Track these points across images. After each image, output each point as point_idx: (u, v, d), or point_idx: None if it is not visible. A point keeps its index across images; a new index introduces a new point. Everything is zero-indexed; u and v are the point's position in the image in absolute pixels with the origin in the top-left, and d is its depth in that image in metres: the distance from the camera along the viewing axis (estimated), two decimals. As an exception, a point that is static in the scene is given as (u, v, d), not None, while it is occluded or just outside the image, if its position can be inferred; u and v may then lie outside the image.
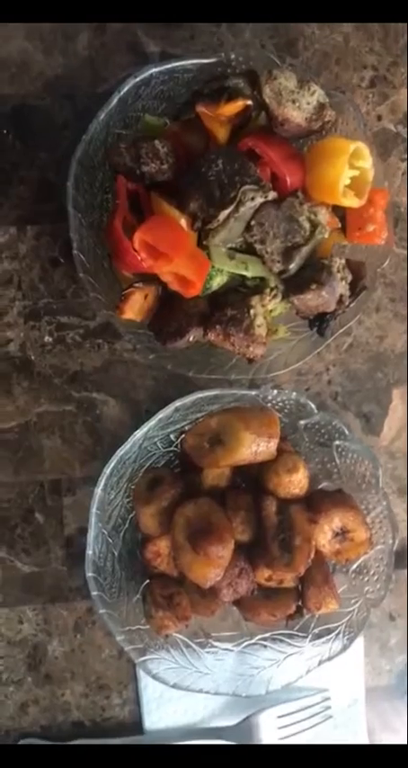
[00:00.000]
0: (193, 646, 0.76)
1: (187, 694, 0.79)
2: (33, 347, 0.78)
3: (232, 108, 0.68)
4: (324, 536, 0.73)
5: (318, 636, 0.76)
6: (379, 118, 0.81)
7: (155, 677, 0.74)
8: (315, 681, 0.80)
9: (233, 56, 0.71)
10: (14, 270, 0.78)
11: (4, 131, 0.77)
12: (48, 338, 0.78)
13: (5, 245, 0.77)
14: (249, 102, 0.68)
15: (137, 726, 0.80)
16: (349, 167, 0.68)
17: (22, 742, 0.79)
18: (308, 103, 0.68)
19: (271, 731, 0.78)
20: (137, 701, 0.80)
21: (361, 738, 0.82)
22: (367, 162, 0.69)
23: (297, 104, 0.67)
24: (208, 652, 0.76)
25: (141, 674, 0.80)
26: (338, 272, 0.69)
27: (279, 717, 0.79)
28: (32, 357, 0.78)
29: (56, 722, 0.80)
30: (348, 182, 0.69)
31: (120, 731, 0.80)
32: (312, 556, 0.71)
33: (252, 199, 0.66)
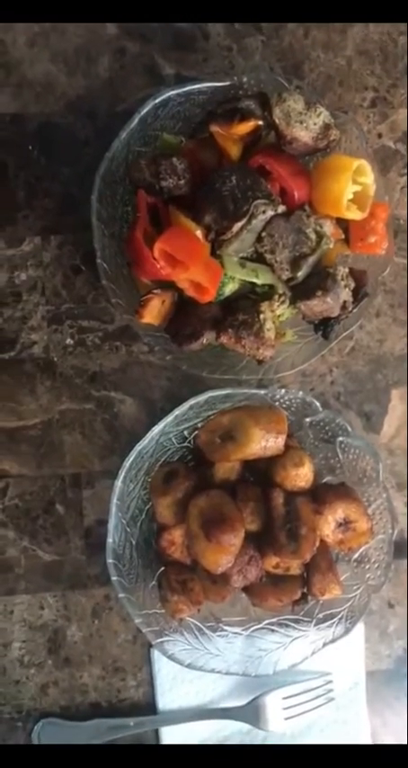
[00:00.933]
0: (205, 629, 0.80)
1: (198, 677, 0.83)
2: (56, 349, 0.83)
3: (244, 128, 0.73)
4: (328, 526, 0.77)
5: (322, 620, 0.80)
6: (380, 136, 0.86)
7: (170, 657, 0.78)
8: (319, 665, 0.84)
9: (245, 79, 0.76)
10: (39, 277, 0.83)
11: (30, 147, 0.82)
12: (69, 341, 0.83)
13: (30, 253, 0.82)
14: (260, 123, 0.73)
15: (150, 706, 0.84)
16: (352, 183, 0.73)
17: (42, 721, 0.83)
18: (315, 124, 0.73)
19: (277, 711, 0.83)
20: (150, 683, 0.84)
21: (362, 719, 0.86)
22: (368, 178, 0.74)
23: (305, 125, 0.72)
24: (218, 635, 0.80)
25: (155, 657, 0.84)
26: (342, 279, 0.74)
27: (284, 698, 0.83)
28: (55, 358, 0.83)
29: (74, 703, 0.84)
30: (351, 196, 0.74)
31: (135, 711, 0.84)
32: (317, 544, 0.75)
33: (264, 212, 0.71)
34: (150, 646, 0.84)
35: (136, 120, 0.75)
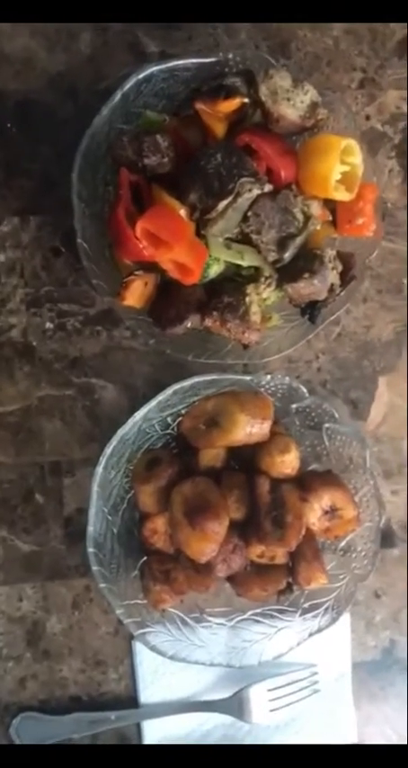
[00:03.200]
0: (188, 620, 0.79)
1: (180, 670, 0.82)
2: (35, 333, 0.81)
3: (229, 105, 0.71)
4: (314, 514, 0.76)
5: (308, 610, 0.79)
6: (368, 118, 0.84)
7: (152, 649, 0.76)
8: (304, 656, 0.83)
9: (230, 56, 0.74)
10: (17, 258, 0.80)
11: (8, 125, 0.79)
12: (49, 325, 0.81)
13: (9, 234, 0.80)
14: (246, 100, 0.71)
15: (132, 700, 0.83)
16: (340, 163, 0.72)
17: (21, 716, 0.81)
18: (302, 102, 0.71)
19: (262, 704, 0.81)
20: (132, 677, 0.83)
21: (348, 711, 0.85)
22: (357, 158, 0.73)
23: (292, 102, 0.71)
24: (202, 626, 0.79)
25: (137, 650, 0.82)
26: (329, 261, 0.72)
27: (269, 690, 0.82)
28: (34, 343, 0.81)
29: (54, 696, 0.82)
30: (339, 177, 0.72)
31: (116, 705, 0.82)
32: (303, 532, 0.74)
33: (250, 191, 0.69)
34: (132, 638, 0.82)
35: (118, 97, 0.73)
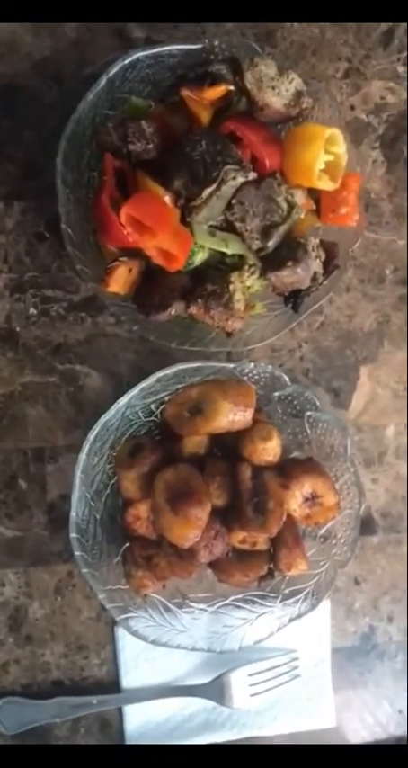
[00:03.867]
0: (170, 605, 0.79)
1: (163, 655, 0.82)
2: (18, 319, 0.81)
3: (215, 92, 0.71)
4: (296, 501, 0.77)
5: (288, 596, 0.80)
6: (352, 108, 0.85)
7: (134, 634, 0.77)
8: (285, 642, 0.83)
9: (216, 43, 0.74)
10: (1, 244, 0.80)
11: (-7, 109, 0.79)
12: (32, 310, 0.81)
13: (-7, 219, 0.80)
14: (231, 88, 0.72)
15: (114, 685, 0.83)
16: (324, 152, 0.72)
17: (3, 700, 0.82)
18: (287, 90, 0.71)
19: (242, 688, 0.82)
20: (114, 662, 0.83)
21: (327, 696, 0.86)
22: (341, 147, 0.73)
23: (277, 91, 0.71)
24: (184, 611, 0.79)
25: (119, 635, 0.83)
26: (313, 250, 0.73)
27: (250, 675, 0.82)
28: (17, 329, 0.81)
29: (36, 681, 0.82)
30: (323, 166, 0.73)
31: (98, 690, 0.83)
32: (284, 518, 0.75)
33: (234, 178, 0.69)
34: (114, 623, 0.83)
35: (103, 82, 0.73)
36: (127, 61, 0.73)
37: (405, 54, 0.85)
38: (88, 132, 0.74)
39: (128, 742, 0.83)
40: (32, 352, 0.81)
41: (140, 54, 0.73)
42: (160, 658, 0.83)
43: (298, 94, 0.72)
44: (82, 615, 0.83)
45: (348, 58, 0.84)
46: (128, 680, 0.83)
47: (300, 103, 0.72)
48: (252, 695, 0.82)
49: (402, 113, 0.85)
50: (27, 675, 0.82)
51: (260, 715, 0.84)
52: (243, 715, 0.84)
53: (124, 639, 0.83)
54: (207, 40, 0.75)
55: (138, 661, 0.83)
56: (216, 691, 0.82)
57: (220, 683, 0.82)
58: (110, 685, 0.83)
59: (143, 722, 0.83)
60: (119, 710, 0.83)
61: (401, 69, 0.85)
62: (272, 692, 0.83)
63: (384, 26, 0.85)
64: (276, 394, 0.79)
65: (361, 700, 0.88)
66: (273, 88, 0.71)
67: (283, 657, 0.84)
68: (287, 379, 0.78)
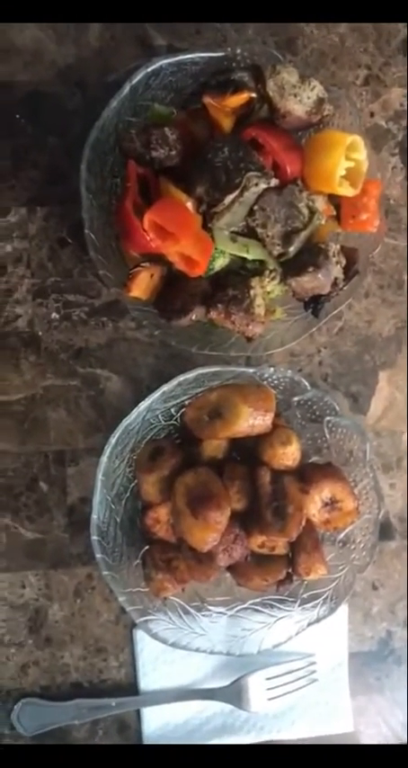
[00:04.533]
0: (189, 609, 0.80)
1: (181, 658, 0.83)
2: (41, 323, 0.82)
3: (237, 100, 0.72)
4: (315, 505, 0.77)
5: (307, 601, 0.80)
6: (372, 114, 0.85)
7: (154, 636, 0.77)
8: (302, 646, 0.84)
9: (238, 51, 0.75)
10: (24, 249, 0.81)
11: (17, 116, 0.80)
12: (54, 315, 0.82)
13: (16, 224, 0.81)
14: (253, 95, 0.72)
15: (132, 687, 0.84)
16: (345, 159, 0.73)
17: (22, 701, 0.82)
18: (309, 98, 0.72)
19: (260, 692, 0.82)
20: (132, 664, 0.84)
21: (344, 700, 0.86)
22: (361, 154, 0.73)
23: (299, 98, 0.72)
24: (203, 615, 0.80)
25: (137, 638, 0.83)
26: (333, 256, 0.73)
27: (268, 679, 0.83)
28: (40, 333, 0.82)
29: (55, 683, 0.83)
30: (343, 172, 0.73)
31: (117, 692, 0.83)
32: (303, 523, 0.75)
33: (256, 185, 0.70)
34: (133, 626, 0.83)
35: (127, 89, 0.74)
36: (150, 69, 0.74)
37: (425, 61, 0.85)
38: (111, 139, 0.75)
39: (145, 744, 0.83)
40: (54, 356, 0.82)
41: (163, 62, 0.74)
42: (178, 661, 0.83)
43: (320, 102, 0.73)
44: (101, 618, 0.84)
45: (368, 66, 0.85)
46: (147, 682, 0.84)
47: (322, 110, 0.73)
48: (269, 699, 0.83)
49: (421, 120, 0.86)
50: (46, 677, 0.83)
51: (277, 719, 0.85)
52: (261, 719, 0.84)
53: (142, 642, 0.83)
54: (229, 48, 0.76)
55: (157, 664, 0.84)
56: (234, 694, 0.82)
57: (238, 686, 0.82)
58: (129, 688, 0.84)
59: (161, 725, 0.84)
60: (138, 713, 0.83)
61: (421, 76, 0.86)
62: (290, 696, 0.83)
63: (403, 34, 0.85)
64: (295, 399, 0.80)
65: (378, 705, 0.88)
66: (295, 95, 0.71)
67: (301, 662, 0.84)
68: (306, 383, 0.78)
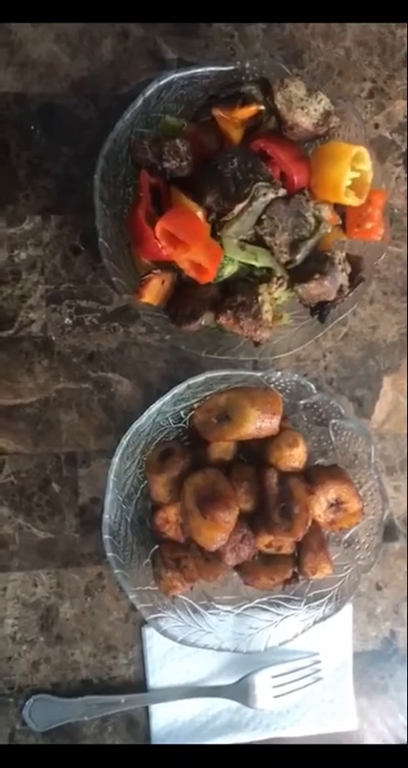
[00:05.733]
0: (198, 607, 0.81)
1: (188, 656, 0.84)
2: (54, 328, 0.84)
3: (246, 112, 0.74)
4: (320, 506, 0.79)
5: (312, 600, 0.82)
6: (376, 126, 0.87)
7: (164, 634, 0.79)
8: (307, 645, 0.85)
9: (247, 64, 0.78)
10: (38, 256, 0.83)
11: (32, 127, 0.82)
12: (67, 320, 0.84)
13: (31, 232, 0.83)
14: (262, 108, 0.75)
15: (141, 684, 0.85)
16: (350, 169, 0.75)
17: (33, 698, 0.84)
18: (316, 110, 0.74)
19: (266, 690, 0.84)
20: (141, 662, 0.85)
21: (348, 699, 0.88)
22: (367, 165, 0.76)
23: (306, 111, 0.74)
24: (211, 613, 0.81)
25: (146, 635, 0.85)
26: (339, 264, 0.75)
27: (274, 677, 0.84)
28: (53, 338, 0.84)
29: (65, 680, 0.85)
30: (349, 182, 0.75)
31: (126, 689, 0.85)
32: (309, 523, 0.77)
33: (265, 195, 0.72)
34: (142, 624, 0.85)
35: (140, 102, 0.76)
36: (162, 82, 0.76)
37: (429, 75, 0.88)
38: (124, 150, 0.77)
39: (153, 741, 0.85)
40: (67, 361, 0.84)
41: (175, 75, 0.76)
42: (186, 659, 0.85)
43: (327, 114, 0.75)
44: (111, 616, 0.85)
45: (372, 79, 0.87)
46: (155, 680, 0.85)
47: (328, 123, 0.75)
48: (275, 697, 0.84)
49: (425, 131, 0.88)
50: (57, 674, 0.85)
51: (283, 716, 0.86)
52: (267, 716, 0.86)
53: (151, 640, 0.85)
54: (238, 62, 0.78)
55: (165, 661, 0.85)
56: (240, 692, 0.84)
57: (245, 684, 0.84)
58: (138, 685, 0.85)
59: (169, 721, 0.85)
60: (146, 710, 0.85)
61: (424, 89, 0.88)
62: (295, 693, 0.85)
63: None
64: (302, 402, 0.82)
65: (382, 703, 0.89)
66: (303, 108, 0.74)
67: (306, 660, 0.86)
68: (313, 387, 0.80)
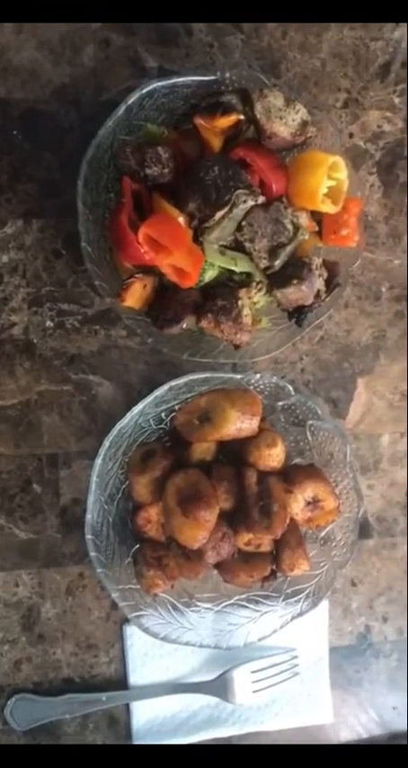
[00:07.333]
0: (178, 605, 0.83)
1: (168, 653, 0.86)
2: (35, 331, 0.85)
3: (226, 121, 0.76)
4: (298, 504, 0.81)
5: (290, 596, 0.84)
6: (351, 136, 0.90)
7: (145, 631, 0.80)
8: (285, 641, 0.87)
9: (227, 75, 0.79)
10: (20, 259, 0.84)
11: (15, 132, 0.83)
12: (49, 323, 0.85)
13: (13, 236, 0.84)
14: (241, 117, 0.76)
15: (122, 682, 0.86)
16: (327, 178, 0.77)
17: (15, 697, 0.85)
18: (293, 120, 0.76)
19: (245, 685, 0.86)
20: (122, 660, 0.86)
21: (324, 693, 0.90)
22: (342, 173, 0.78)
23: (284, 121, 0.76)
24: (191, 610, 0.83)
25: (127, 634, 0.86)
26: (316, 269, 0.77)
27: (253, 672, 0.86)
28: (34, 340, 0.85)
29: (47, 678, 0.86)
30: (325, 190, 0.77)
31: (107, 687, 0.86)
32: (287, 521, 0.79)
33: (244, 202, 0.74)
34: (123, 623, 0.86)
35: (122, 110, 0.77)
36: (144, 91, 0.77)
37: (401, 86, 0.90)
38: (107, 156, 0.78)
39: (135, 738, 0.86)
40: (48, 363, 0.85)
41: (157, 84, 0.78)
42: (166, 656, 0.87)
43: (304, 124, 0.77)
44: (92, 615, 0.86)
45: (347, 90, 0.90)
46: (136, 677, 0.86)
47: (305, 132, 0.77)
48: (254, 691, 0.86)
49: (397, 141, 0.91)
50: (39, 673, 0.85)
51: (261, 711, 0.88)
52: (246, 711, 0.88)
53: (132, 638, 0.86)
54: (218, 72, 0.79)
55: (146, 659, 0.87)
56: (220, 687, 0.86)
57: (224, 679, 0.86)
58: (119, 683, 0.87)
59: (150, 718, 0.86)
60: (127, 707, 0.86)
61: (397, 100, 0.90)
62: (273, 688, 0.87)
63: (381, 60, 0.90)
64: (280, 403, 0.84)
65: (357, 697, 0.92)
66: (281, 118, 0.76)
67: (284, 655, 0.88)
68: (291, 389, 0.83)
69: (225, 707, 0.87)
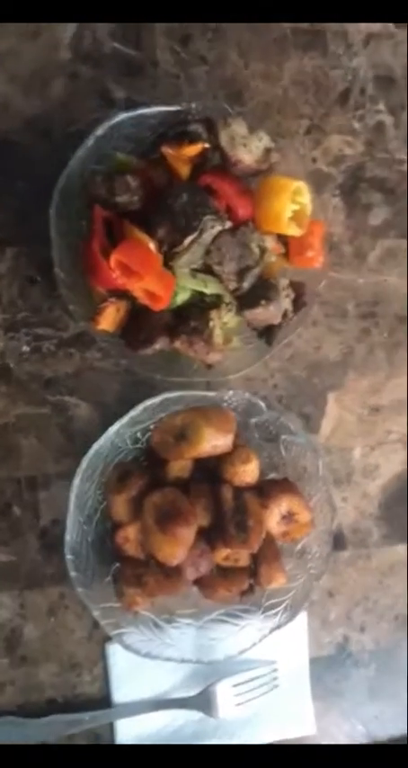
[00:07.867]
0: (159, 621, 0.84)
1: (151, 669, 0.86)
2: (12, 356, 0.86)
3: (192, 150, 0.79)
4: (273, 518, 0.83)
5: (269, 608, 0.85)
6: (314, 160, 0.93)
7: (127, 648, 0.81)
8: (265, 654, 0.89)
9: (193, 105, 0.82)
10: (-5, 287, 0.86)
11: (-14, 163, 0.85)
12: (25, 348, 0.86)
13: (-13, 264, 0.86)
14: (207, 145, 0.79)
15: (105, 700, 0.87)
16: (291, 202, 0.80)
17: (-1, 720, 0.85)
18: (257, 147, 0.79)
19: (228, 699, 0.87)
20: (105, 678, 0.87)
21: (306, 703, 0.91)
22: (306, 198, 0.81)
23: (248, 148, 0.79)
24: (172, 627, 0.84)
25: (110, 652, 0.87)
26: (283, 290, 0.80)
27: (234, 686, 0.87)
28: (11, 365, 0.86)
29: (30, 700, 0.85)
30: (290, 214, 0.80)
31: (91, 706, 0.86)
32: (264, 535, 0.81)
33: (212, 227, 0.77)
34: (105, 641, 0.87)
35: (92, 140, 0.79)
36: (113, 121, 0.80)
37: (360, 112, 0.94)
38: (77, 185, 0.80)
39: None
40: (25, 386, 0.86)
41: (124, 115, 0.80)
42: (149, 672, 0.87)
43: (267, 151, 0.80)
44: (74, 635, 0.87)
45: (309, 116, 0.93)
46: (119, 695, 0.87)
47: (269, 159, 0.80)
48: (237, 705, 0.87)
49: (358, 164, 0.94)
50: (22, 695, 0.86)
51: (244, 724, 0.89)
52: (230, 724, 0.88)
53: (115, 657, 0.87)
54: (184, 103, 0.82)
55: (129, 677, 0.87)
56: (203, 702, 0.86)
57: (207, 694, 0.86)
58: (102, 701, 0.87)
59: (134, 735, 0.87)
60: (111, 725, 0.87)
61: (356, 125, 0.94)
62: (256, 701, 0.88)
63: (340, 86, 0.94)
64: (253, 420, 0.86)
65: (339, 707, 0.93)
66: (245, 145, 0.79)
67: (264, 668, 0.89)
68: (263, 405, 0.85)
69: (209, 722, 0.88)
